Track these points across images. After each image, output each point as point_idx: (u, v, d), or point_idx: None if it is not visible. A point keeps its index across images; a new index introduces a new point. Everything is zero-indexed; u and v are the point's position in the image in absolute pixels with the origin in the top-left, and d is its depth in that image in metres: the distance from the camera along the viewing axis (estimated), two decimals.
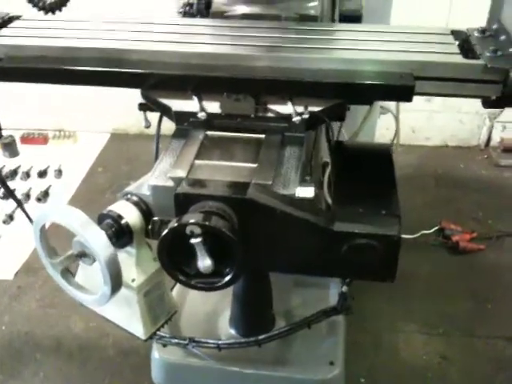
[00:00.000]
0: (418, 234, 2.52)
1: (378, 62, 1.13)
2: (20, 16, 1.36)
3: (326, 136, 1.36)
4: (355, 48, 1.20)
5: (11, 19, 1.34)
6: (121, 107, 3.25)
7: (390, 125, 2.10)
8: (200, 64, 1.18)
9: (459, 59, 1.12)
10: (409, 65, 1.11)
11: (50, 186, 3.11)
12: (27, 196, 3.01)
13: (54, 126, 3.65)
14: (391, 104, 2.03)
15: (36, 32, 1.29)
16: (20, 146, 3.45)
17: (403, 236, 2.48)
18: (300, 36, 1.28)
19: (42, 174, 3.22)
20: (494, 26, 1.22)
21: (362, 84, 1.10)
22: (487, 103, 1.13)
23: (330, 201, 1.22)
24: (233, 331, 1.76)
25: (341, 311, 1.58)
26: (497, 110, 3.14)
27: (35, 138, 3.54)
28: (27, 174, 3.20)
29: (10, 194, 1.46)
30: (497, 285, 2.35)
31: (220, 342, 1.59)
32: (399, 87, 1.08)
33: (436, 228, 2.59)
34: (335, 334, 1.76)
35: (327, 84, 1.10)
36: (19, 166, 3.26)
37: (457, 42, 1.20)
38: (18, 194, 3.01)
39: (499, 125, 3.23)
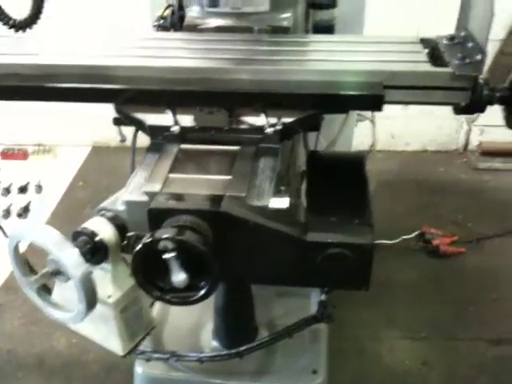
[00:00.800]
0: (399, 239, 2.53)
1: (349, 73, 1.15)
2: None
3: (303, 143, 1.37)
4: (327, 59, 1.22)
5: None
6: (101, 120, 3.22)
7: (369, 132, 2.12)
8: (173, 78, 1.18)
9: (428, 67, 1.14)
10: (379, 74, 1.12)
11: (30, 201, 3.08)
12: (8, 212, 2.99)
13: (34, 141, 3.62)
14: (368, 111, 2.05)
15: (4, 49, 1.28)
16: (0, 162, 3.44)
17: (385, 241, 2.53)
18: (273, 48, 1.29)
19: (23, 189, 3.19)
20: (462, 34, 1.24)
21: (333, 95, 1.11)
22: (458, 109, 1.15)
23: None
24: (216, 343, 1.75)
25: (321, 320, 1.58)
26: (474, 115, 3.17)
27: (15, 154, 3.51)
28: (7, 190, 3.18)
29: None
30: (478, 288, 2.37)
31: (202, 355, 1.59)
32: (369, 97, 1.09)
33: (417, 233, 2.61)
34: (318, 342, 1.77)
35: (298, 95, 1.12)
36: None
37: (426, 50, 1.22)
38: None
39: (477, 128, 3.27)
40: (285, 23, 1.44)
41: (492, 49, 3.03)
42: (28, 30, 1.23)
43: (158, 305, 1.73)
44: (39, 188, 3.20)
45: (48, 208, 3.05)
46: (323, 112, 1.18)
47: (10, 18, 1.18)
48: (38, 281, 1.07)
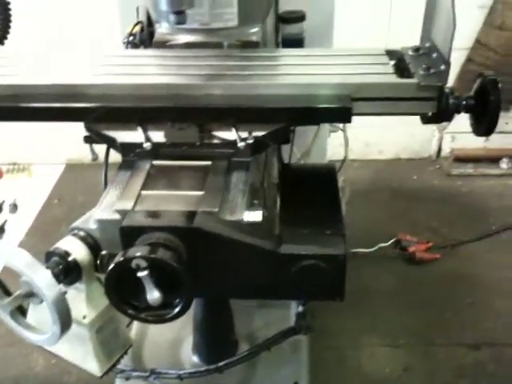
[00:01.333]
0: (376, 248, 2.56)
1: (317, 86, 1.16)
2: None
3: (277, 155, 1.38)
4: (295, 73, 1.23)
5: None
6: (74, 137, 3.20)
7: (342, 141, 2.14)
8: (143, 95, 1.18)
9: (393, 79, 1.16)
10: (347, 87, 1.14)
11: (5, 221, 3.04)
12: None
13: (8, 160, 3.58)
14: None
15: None
16: None
17: (362, 250, 2.54)
18: (242, 63, 1.30)
19: None
20: (427, 45, 1.26)
21: (303, 108, 1.12)
22: (425, 119, 1.17)
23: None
24: (196, 358, 1.75)
25: (299, 331, 1.59)
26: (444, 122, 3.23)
27: None
28: None
29: None
30: (454, 293, 2.41)
31: (181, 372, 1.58)
32: (338, 109, 1.11)
33: (393, 240, 2.63)
34: (298, 353, 1.77)
35: (267, 109, 1.13)
36: None
37: (392, 62, 1.24)
38: None
39: (448, 135, 3.33)
40: (254, 38, 1.45)
41: (461, 57, 3.10)
42: None
43: (136, 322, 1.72)
44: (14, 207, 3.16)
45: (23, 227, 3.01)
46: (294, 125, 1.20)
47: None
48: (12, 303, 1.05)
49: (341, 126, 2.10)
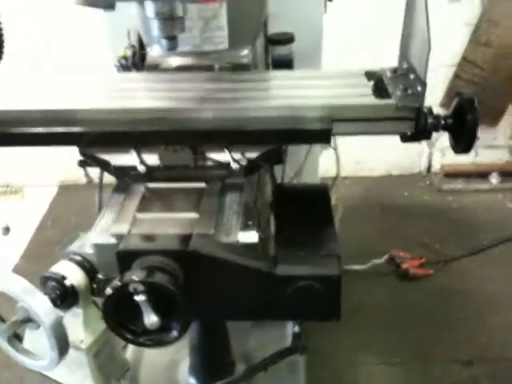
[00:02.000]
0: (369, 264, 2.56)
1: (300, 109, 1.17)
2: None
3: (269, 175, 1.39)
4: (281, 95, 1.25)
5: None
6: (67, 159, 3.21)
7: (334, 159, 2.16)
8: (136, 119, 1.19)
9: (372, 100, 1.18)
10: (327, 109, 1.15)
11: None
12: None
13: (0, 182, 3.58)
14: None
15: None
16: None
17: (355, 267, 2.54)
18: (233, 86, 1.32)
19: None
20: (405, 65, 1.28)
21: (284, 130, 1.13)
22: (404, 138, 1.19)
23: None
24: (193, 380, 1.74)
25: (295, 351, 1.59)
26: (435, 137, 3.27)
27: None
28: None
29: None
30: (447, 309, 2.41)
31: None
32: (318, 131, 1.12)
33: (386, 256, 2.64)
34: (296, 373, 1.77)
35: (253, 131, 1.14)
36: None
37: (371, 83, 1.26)
38: None
39: (438, 151, 3.37)
40: (244, 60, 1.47)
41: (448, 73, 3.15)
42: None
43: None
44: (7, 230, 3.15)
45: (17, 249, 3.00)
46: (282, 145, 1.21)
47: None
48: (9, 329, 1.05)
49: (332, 144, 2.12)
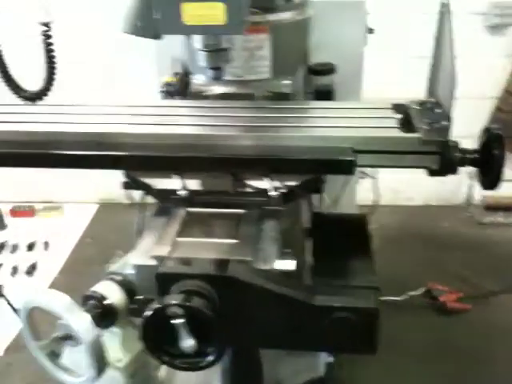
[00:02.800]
0: (406, 296, 2.53)
1: (327, 139, 1.19)
2: None
3: (307, 203, 1.40)
4: (318, 125, 1.27)
5: None
6: (108, 177, 3.30)
7: (371, 187, 2.16)
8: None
9: (397, 133, 1.18)
10: (351, 140, 1.16)
11: (38, 258, 3.11)
12: (15, 270, 3.01)
13: (41, 198, 3.68)
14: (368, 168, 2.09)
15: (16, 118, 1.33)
16: (8, 219, 3.49)
17: (392, 298, 2.50)
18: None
19: (30, 246, 3.22)
20: (431, 100, 1.29)
21: (306, 160, 1.15)
22: (431, 172, 1.18)
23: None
24: None
25: (328, 381, 1.57)
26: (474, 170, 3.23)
27: (23, 211, 3.56)
28: (15, 247, 3.21)
29: None
30: (485, 345, 2.35)
31: None
32: (341, 162, 1.13)
33: (423, 289, 2.60)
34: None
35: (289, 160, 1.16)
36: (7, 240, 3.28)
37: (398, 116, 1.26)
38: (7, 268, 3.01)
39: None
40: (286, 90, 1.50)
41: (490, 105, 3.12)
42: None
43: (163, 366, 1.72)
44: (46, 245, 3.24)
45: (56, 265, 3.07)
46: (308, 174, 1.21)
47: (23, 90, 1.24)
48: (48, 345, 1.08)
49: (370, 173, 2.12)
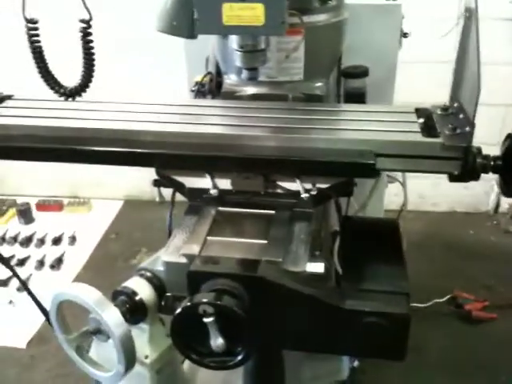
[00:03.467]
0: (431, 303, 2.51)
1: (344, 141, 1.19)
2: (11, 95, 1.40)
3: (335, 206, 1.39)
4: (340, 128, 1.27)
5: (2, 99, 1.38)
6: (134, 174, 3.34)
7: (398, 191, 2.14)
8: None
9: (419, 137, 1.16)
10: (371, 143, 1.16)
11: (64, 252, 3.16)
12: (41, 263, 3.06)
13: (69, 193, 3.74)
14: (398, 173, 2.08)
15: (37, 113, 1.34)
16: (35, 213, 3.54)
17: (417, 305, 2.48)
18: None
19: (57, 240, 3.27)
20: (455, 105, 1.27)
21: (324, 162, 1.15)
22: (452, 177, 1.17)
23: (339, 269, 1.24)
24: None
25: None
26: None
27: (50, 205, 3.62)
28: (42, 241, 3.27)
29: (3, 262, 1.43)
30: (509, 355, 2.32)
31: None
32: (361, 165, 1.12)
33: (448, 296, 2.58)
34: None
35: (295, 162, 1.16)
36: (34, 233, 3.33)
37: (421, 120, 1.24)
38: (33, 261, 3.06)
39: None
40: (318, 92, 1.49)
41: None
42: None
43: (186, 364, 1.73)
44: (73, 239, 3.28)
45: (80, 259, 3.11)
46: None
47: (62, 86, 1.26)
48: (78, 339, 1.10)
49: (399, 177, 2.11)
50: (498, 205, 3.34)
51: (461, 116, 1.22)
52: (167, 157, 1.22)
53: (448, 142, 1.12)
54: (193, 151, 1.22)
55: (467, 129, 1.14)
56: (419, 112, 1.29)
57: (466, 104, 1.21)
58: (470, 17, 1.20)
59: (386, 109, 1.35)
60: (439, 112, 1.26)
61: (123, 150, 1.22)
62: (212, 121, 1.33)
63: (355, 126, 1.24)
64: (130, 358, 1.01)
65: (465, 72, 1.24)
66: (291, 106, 1.42)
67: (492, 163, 1.13)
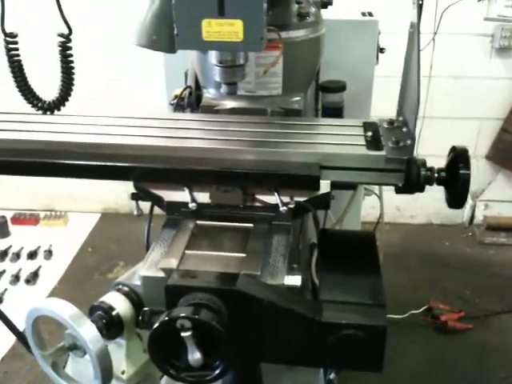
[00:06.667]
0: (407, 314, 2.53)
1: (293, 154, 1.21)
2: None
3: (313, 218, 1.40)
4: (286, 141, 1.27)
5: None
6: (111, 187, 3.33)
7: (375, 203, 2.17)
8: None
9: (362, 150, 1.19)
10: (318, 156, 1.18)
11: (39, 266, 3.11)
12: (16, 278, 3.00)
13: (45, 207, 3.69)
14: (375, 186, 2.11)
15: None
16: (11, 227, 3.49)
17: (393, 316, 2.49)
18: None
19: (32, 254, 3.22)
20: (400, 118, 1.31)
21: (272, 174, 1.17)
22: (398, 189, 1.20)
23: (317, 282, 1.25)
24: None
25: None
26: (479, 189, 3.25)
27: (26, 219, 3.57)
28: (17, 255, 3.21)
29: None
30: (486, 366, 2.35)
31: None
32: (306, 177, 1.16)
33: (424, 307, 2.60)
34: None
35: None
36: (10, 247, 3.28)
37: (369, 133, 1.27)
38: (8, 276, 3.01)
39: (482, 203, 3.32)
40: (296, 106, 1.51)
41: (496, 126, 3.14)
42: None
43: (164, 379, 1.71)
44: (49, 253, 3.23)
45: (56, 273, 3.07)
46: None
47: (40, 100, 1.24)
48: (55, 355, 1.08)
49: (376, 190, 2.13)
50: (472, 217, 3.40)
51: (404, 129, 1.25)
52: (145, 171, 1.22)
53: (390, 155, 1.15)
54: (171, 165, 1.22)
55: (409, 142, 1.17)
56: (367, 125, 1.32)
57: (408, 117, 1.24)
58: (413, 32, 1.23)
59: (335, 122, 1.39)
60: (385, 126, 1.30)
61: (100, 164, 1.22)
62: (191, 134, 1.33)
63: (301, 140, 1.26)
64: (106, 373, 1.00)
65: (407, 86, 1.27)
66: (268, 120, 1.43)
67: (436, 175, 1.16)
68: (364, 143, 1.23)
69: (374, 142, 1.23)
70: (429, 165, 1.19)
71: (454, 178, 1.15)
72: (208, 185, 1.22)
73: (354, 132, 1.29)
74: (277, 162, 1.19)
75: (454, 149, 1.18)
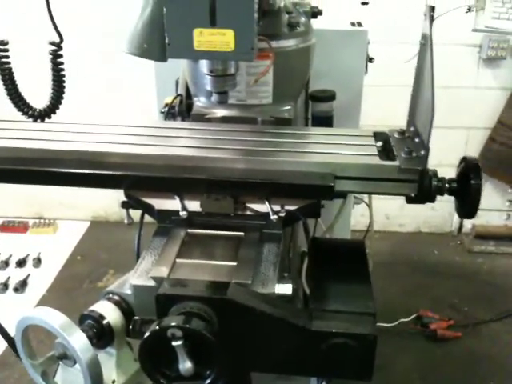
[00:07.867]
0: (396, 323, 2.54)
1: (303, 164, 1.20)
2: None
3: (303, 227, 1.41)
4: (303, 151, 1.27)
5: None
6: (101, 195, 3.31)
7: (364, 212, 2.18)
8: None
9: (375, 160, 1.19)
10: (332, 166, 1.18)
11: (28, 275, 3.09)
12: (5, 286, 2.98)
13: (34, 214, 3.67)
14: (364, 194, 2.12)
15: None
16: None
17: (383, 324, 2.50)
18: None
19: (21, 262, 3.20)
20: (412, 129, 1.31)
21: (283, 184, 1.17)
22: (409, 199, 1.20)
23: (307, 290, 1.25)
24: None
25: None
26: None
27: (15, 227, 3.55)
28: (6, 263, 3.19)
29: None
30: (475, 374, 2.36)
31: None
32: (320, 187, 1.15)
33: (414, 316, 2.61)
34: None
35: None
36: None
37: (379, 144, 1.28)
38: None
39: None
40: (286, 115, 1.52)
41: (484, 135, 3.17)
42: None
43: None
44: (38, 261, 3.21)
45: (45, 281, 3.05)
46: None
47: (31, 108, 1.24)
48: (44, 364, 1.08)
49: (365, 198, 2.14)
50: (461, 225, 3.43)
51: (416, 140, 1.25)
52: (135, 179, 1.22)
53: (404, 165, 1.16)
54: (162, 173, 1.22)
55: (422, 152, 1.18)
56: (377, 136, 1.32)
57: (421, 128, 1.24)
58: (426, 43, 1.25)
59: (345, 132, 1.38)
60: (396, 136, 1.30)
61: (90, 172, 1.21)
62: (181, 143, 1.33)
63: (317, 149, 1.26)
64: (96, 383, 0.99)
65: (420, 97, 1.28)
66: (260, 128, 1.44)
67: (447, 185, 1.17)
68: (376, 153, 1.23)
69: (385, 152, 1.24)
70: None
71: (465, 188, 1.15)
72: (200, 193, 1.22)
73: (365, 142, 1.30)
74: (288, 171, 1.19)
75: (464, 159, 1.18)
